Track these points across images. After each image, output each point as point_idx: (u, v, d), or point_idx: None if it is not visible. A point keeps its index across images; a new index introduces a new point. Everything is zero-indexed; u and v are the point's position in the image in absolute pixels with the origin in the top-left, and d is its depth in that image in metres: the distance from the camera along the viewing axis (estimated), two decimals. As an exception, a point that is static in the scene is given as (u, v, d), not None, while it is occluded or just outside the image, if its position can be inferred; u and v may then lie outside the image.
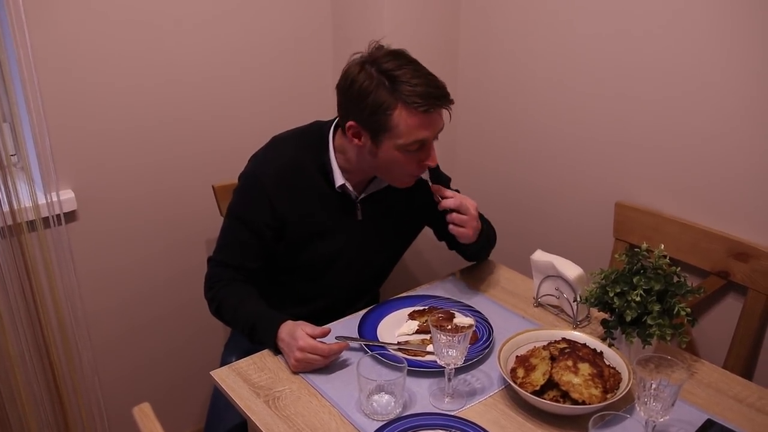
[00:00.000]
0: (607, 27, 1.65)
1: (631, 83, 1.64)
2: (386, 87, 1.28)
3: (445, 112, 1.35)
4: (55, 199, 1.61)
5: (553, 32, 1.79)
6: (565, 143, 1.85)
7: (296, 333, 1.28)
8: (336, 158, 1.43)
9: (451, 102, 1.34)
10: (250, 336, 1.38)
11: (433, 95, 1.29)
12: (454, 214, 1.42)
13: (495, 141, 2.06)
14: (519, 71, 1.92)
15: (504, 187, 2.07)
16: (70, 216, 1.67)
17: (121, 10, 1.60)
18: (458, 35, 2.04)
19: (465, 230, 1.43)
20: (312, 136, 1.46)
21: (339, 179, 1.42)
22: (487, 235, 1.58)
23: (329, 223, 1.47)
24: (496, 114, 2.02)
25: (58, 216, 1.62)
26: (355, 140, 1.35)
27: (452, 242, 1.65)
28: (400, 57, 1.32)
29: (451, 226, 1.43)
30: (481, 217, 1.60)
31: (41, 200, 1.59)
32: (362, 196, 1.48)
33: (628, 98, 1.65)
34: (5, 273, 1.58)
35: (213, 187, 1.77)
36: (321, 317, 1.52)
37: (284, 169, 1.42)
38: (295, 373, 1.29)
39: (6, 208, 1.53)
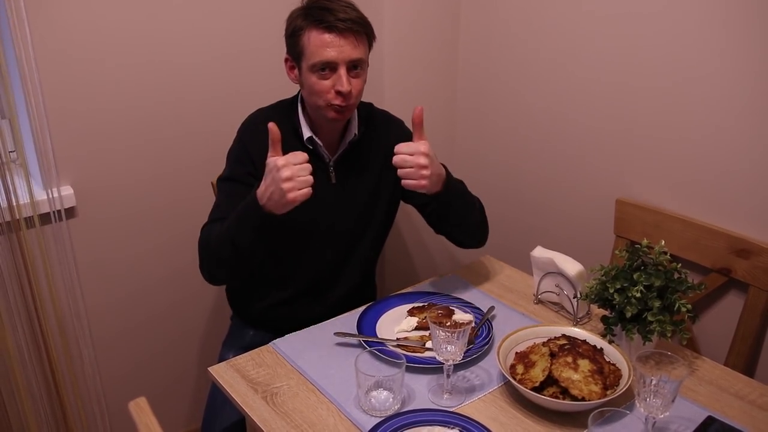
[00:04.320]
0: (609, 21, 1.65)
1: (633, 80, 1.63)
2: (303, 13, 1.37)
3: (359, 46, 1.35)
4: (54, 195, 1.60)
5: (554, 28, 1.78)
6: (565, 140, 1.84)
7: (270, 170, 1.27)
8: (303, 117, 1.48)
9: (365, 31, 1.37)
10: (237, 227, 1.33)
11: (340, 18, 1.32)
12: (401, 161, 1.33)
13: (495, 136, 2.05)
14: (520, 68, 1.91)
15: (504, 183, 2.06)
16: (70, 212, 1.67)
17: (122, 6, 1.60)
18: (458, 27, 2.04)
19: (415, 182, 1.32)
20: (286, 102, 1.54)
21: (306, 131, 1.46)
22: (464, 196, 1.50)
23: None
24: (497, 109, 2.02)
25: (57, 212, 1.62)
26: (291, 75, 1.44)
27: (438, 225, 1.54)
28: None
29: (403, 181, 1.35)
30: (467, 194, 1.54)
31: (40, 196, 1.59)
32: (335, 157, 1.50)
33: (629, 95, 1.65)
34: (3, 270, 1.57)
35: (212, 183, 1.76)
36: (305, 300, 1.54)
37: (258, 122, 1.49)
38: (293, 201, 1.25)
39: (4, 204, 1.52)
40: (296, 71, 1.42)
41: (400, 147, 1.34)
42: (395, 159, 1.34)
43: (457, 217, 1.49)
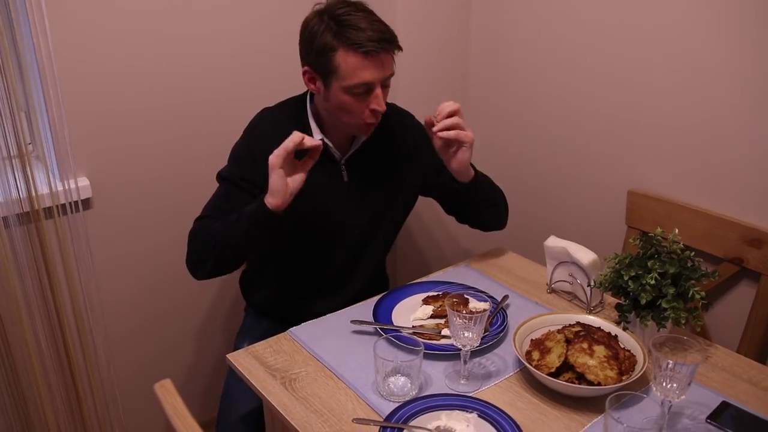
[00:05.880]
0: (619, 13, 1.66)
1: (643, 71, 1.64)
2: (332, 30, 1.32)
3: (389, 60, 1.36)
4: (72, 186, 1.62)
5: (565, 19, 1.79)
6: (577, 131, 1.85)
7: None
8: (312, 117, 1.47)
9: (396, 47, 1.36)
10: (236, 225, 1.34)
11: (373, 38, 1.31)
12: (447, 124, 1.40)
13: (507, 128, 2.06)
14: (531, 60, 1.92)
15: (516, 175, 2.07)
16: (85, 203, 1.68)
17: (137, 7, 1.61)
18: (469, 19, 2.05)
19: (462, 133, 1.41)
20: (294, 101, 1.53)
21: (317, 134, 1.46)
22: (490, 185, 1.59)
23: (313, 182, 1.45)
24: (508, 101, 2.03)
25: (74, 203, 1.64)
26: (311, 85, 1.41)
27: (461, 213, 1.63)
28: (354, 5, 1.35)
29: (449, 133, 1.41)
30: (488, 179, 1.61)
31: (57, 188, 1.61)
32: (347, 156, 1.50)
33: (640, 86, 1.66)
34: (22, 260, 1.59)
35: (226, 176, 1.78)
36: (319, 295, 1.56)
37: (266, 122, 1.49)
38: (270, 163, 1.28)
39: (24, 194, 1.54)
40: (318, 83, 1.39)
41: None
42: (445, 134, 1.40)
43: (486, 198, 1.56)
